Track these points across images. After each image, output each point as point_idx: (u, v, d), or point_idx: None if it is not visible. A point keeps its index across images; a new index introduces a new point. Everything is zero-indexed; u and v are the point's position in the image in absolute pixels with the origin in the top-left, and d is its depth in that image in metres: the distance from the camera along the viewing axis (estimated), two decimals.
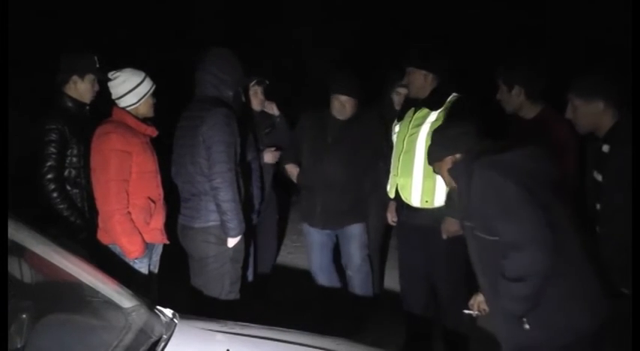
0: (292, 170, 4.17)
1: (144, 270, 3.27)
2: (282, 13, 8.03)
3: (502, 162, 2.35)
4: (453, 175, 2.53)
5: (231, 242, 3.29)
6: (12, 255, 2.19)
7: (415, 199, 3.50)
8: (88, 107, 3.43)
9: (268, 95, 4.27)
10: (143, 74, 3.34)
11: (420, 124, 3.49)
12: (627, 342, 2.35)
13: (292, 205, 4.88)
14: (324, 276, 4.22)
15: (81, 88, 3.39)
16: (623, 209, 2.61)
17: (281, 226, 5.37)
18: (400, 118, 3.69)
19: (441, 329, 3.70)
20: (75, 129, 3.26)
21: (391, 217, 3.84)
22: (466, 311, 2.84)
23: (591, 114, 2.77)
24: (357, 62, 6.49)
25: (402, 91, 4.07)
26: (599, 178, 2.82)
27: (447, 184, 2.77)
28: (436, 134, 2.76)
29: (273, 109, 4.33)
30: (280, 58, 7.17)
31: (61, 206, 3.21)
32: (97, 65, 3.40)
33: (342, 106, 3.92)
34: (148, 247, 3.26)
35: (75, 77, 3.37)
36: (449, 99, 3.49)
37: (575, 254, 2.38)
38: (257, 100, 4.17)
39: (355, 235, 4.07)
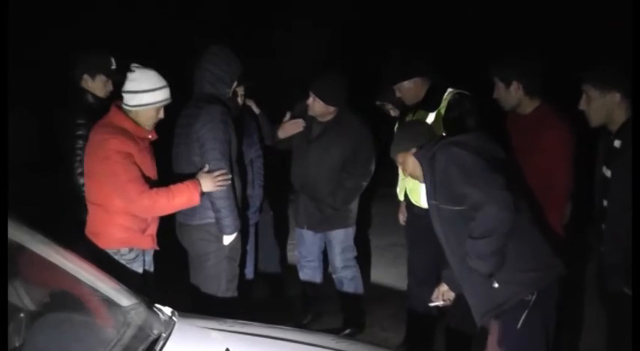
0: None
1: (140, 270, 3.19)
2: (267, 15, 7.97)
3: (459, 141, 2.74)
4: (419, 158, 2.82)
5: (227, 240, 3.28)
6: (11, 254, 2.18)
7: (424, 201, 3.49)
8: (107, 102, 3.37)
9: (247, 94, 4.18)
10: (162, 84, 3.03)
11: None
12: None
13: (291, 202, 4.85)
14: (308, 270, 4.18)
15: (92, 87, 3.40)
16: (631, 207, 2.56)
17: (285, 224, 5.34)
18: (400, 124, 3.67)
19: (444, 328, 3.68)
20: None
21: (403, 218, 3.84)
22: (432, 304, 3.02)
23: (606, 106, 2.73)
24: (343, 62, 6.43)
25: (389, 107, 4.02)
26: (608, 174, 2.77)
27: (407, 173, 3.00)
28: (402, 129, 3.13)
29: (253, 107, 4.30)
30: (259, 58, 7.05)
31: None
32: (114, 66, 3.37)
33: (312, 102, 3.79)
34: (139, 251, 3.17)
35: (86, 76, 3.37)
36: (445, 96, 3.44)
37: (527, 218, 2.68)
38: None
39: (336, 240, 4.02)
